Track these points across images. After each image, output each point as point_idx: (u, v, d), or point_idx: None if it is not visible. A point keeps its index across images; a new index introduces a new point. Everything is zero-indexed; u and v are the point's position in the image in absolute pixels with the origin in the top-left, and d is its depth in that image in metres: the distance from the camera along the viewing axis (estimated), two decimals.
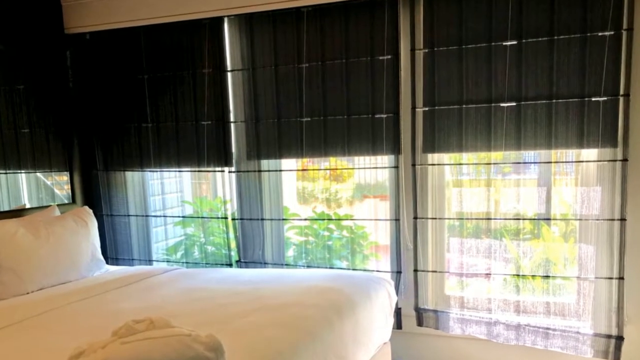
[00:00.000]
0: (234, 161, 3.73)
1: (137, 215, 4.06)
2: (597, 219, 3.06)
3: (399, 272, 3.45)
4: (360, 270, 3.59)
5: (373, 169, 3.59)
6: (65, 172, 3.91)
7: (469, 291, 3.38)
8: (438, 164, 3.35)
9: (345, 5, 3.36)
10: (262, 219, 3.71)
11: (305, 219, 3.74)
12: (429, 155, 3.34)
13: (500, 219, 3.26)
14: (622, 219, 2.98)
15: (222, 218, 3.85)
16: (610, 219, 3.01)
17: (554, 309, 3.21)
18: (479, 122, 3.17)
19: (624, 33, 2.88)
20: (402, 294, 3.47)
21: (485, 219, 3.26)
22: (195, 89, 3.73)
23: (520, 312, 3.25)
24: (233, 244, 3.80)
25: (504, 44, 3.09)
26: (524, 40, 3.05)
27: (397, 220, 3.43)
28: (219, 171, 3.77)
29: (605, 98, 2.94)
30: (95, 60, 3.95)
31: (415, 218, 3.37)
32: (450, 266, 3.44)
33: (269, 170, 3.70)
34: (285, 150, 3.60)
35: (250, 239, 3.75)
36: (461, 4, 3.15)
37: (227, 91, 3.67)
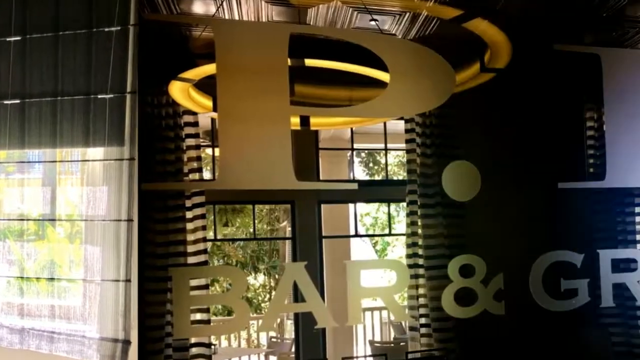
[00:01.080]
0: None
1: None
2: (104, 220, 3.02)
3: None
4: None
5: None
6: None
7: None
8: None
9: None
10: None
11: None
12: None
13: (4, 219, 3.03)
14: (129, 220, 2.99)
15: None
16: (117, 220, 3.00)
17: (59, 312, 3.09)
18: None
19: (131, 28, 2.90)
20: None
21: None
22: None
23: (24, 316, 3.05)
24: None
25: (8, 39, 2.87)
26: (28, 36, 2.86)
27: None
28: None
29: (112, 95, 2.93)
30: None
31: None
32: None
33: None
34: None
35: None
36: None
37: None
